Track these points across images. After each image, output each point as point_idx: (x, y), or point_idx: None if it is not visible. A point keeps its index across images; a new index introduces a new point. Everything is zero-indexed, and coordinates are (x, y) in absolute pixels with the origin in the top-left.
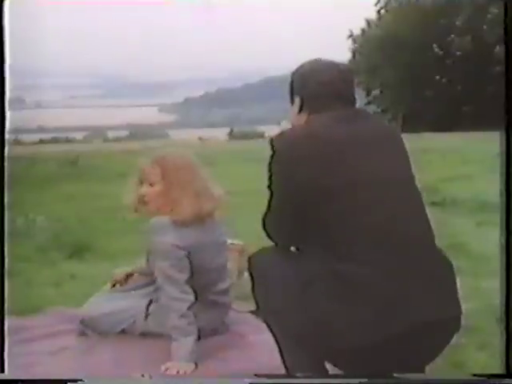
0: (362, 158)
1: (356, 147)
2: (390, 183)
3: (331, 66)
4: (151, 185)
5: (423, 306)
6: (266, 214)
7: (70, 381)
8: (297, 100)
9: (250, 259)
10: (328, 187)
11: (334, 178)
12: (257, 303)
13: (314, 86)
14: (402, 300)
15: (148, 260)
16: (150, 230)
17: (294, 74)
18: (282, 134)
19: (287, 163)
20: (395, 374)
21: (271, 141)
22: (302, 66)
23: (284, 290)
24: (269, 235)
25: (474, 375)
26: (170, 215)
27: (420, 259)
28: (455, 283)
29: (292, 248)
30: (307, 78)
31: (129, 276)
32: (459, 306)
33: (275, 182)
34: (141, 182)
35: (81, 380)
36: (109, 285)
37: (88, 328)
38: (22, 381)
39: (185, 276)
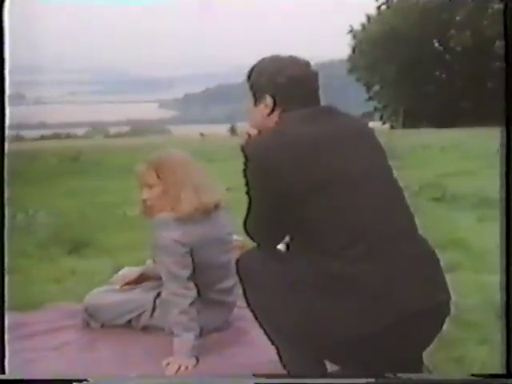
0: (337, 154)
1: (330, 145)
2: (367, 177)
3: (296, 61)
4: (150, 188)
5: (411, 295)
6: (246, 217)
7: (74, 381)
8: (268, 99)
9: (237, 261)
10: (306, 187)
11: (312, 178)
12: (248, 304)
13: (287, 82)
14: (391, 291)
15: (153, 256)
16: (154, 227)
17: (256, 71)
18: (253, 141)
19: (262, 171)
20: (396, 374)
21: (243, 148)
22: (262, 62)
23: (273, 290)
24: (251, 238)
25: (475, 375)
26: (172, 213)
27: (404, 249)
28: (441, 270)
29: (282, 247)
30: (277, 73)
31: (140, 278)
32: (448, 292)
33: (252, 189)
34: (141, 188)
35: (86, 380)
36: (118, 284)
37: (92, 318)
38: (25, 381)
39: (187, 272)
